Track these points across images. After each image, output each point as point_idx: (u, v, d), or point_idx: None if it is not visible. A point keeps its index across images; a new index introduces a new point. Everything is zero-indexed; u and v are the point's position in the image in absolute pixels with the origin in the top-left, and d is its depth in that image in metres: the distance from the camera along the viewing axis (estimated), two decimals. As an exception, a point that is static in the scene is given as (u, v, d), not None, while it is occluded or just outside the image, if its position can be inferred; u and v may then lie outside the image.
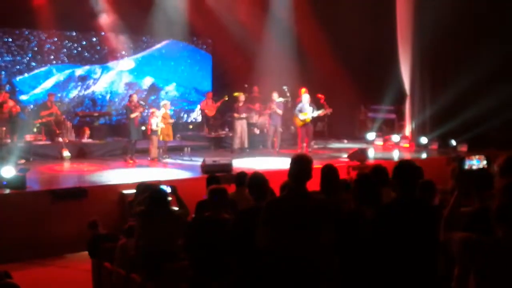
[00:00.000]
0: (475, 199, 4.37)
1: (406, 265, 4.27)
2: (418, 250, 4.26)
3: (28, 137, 14.87)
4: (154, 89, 19.74)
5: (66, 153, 14.43)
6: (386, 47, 17.12)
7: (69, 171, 13.27)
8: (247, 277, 4.99)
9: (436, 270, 4.41)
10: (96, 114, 17.76)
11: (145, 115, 16.10)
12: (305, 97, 15.58)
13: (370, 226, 4.40)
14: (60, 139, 14.98)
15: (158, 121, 14.25)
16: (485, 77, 14.74)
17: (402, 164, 4.52)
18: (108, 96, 18.86)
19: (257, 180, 5.38)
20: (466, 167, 3.70)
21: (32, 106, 16.84)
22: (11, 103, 14.64)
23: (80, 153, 15.00)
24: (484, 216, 3.54)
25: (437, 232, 4.12)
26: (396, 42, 17.17)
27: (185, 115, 20.35)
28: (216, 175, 7.95)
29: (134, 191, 8.57)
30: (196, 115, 20.13)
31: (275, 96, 15.91)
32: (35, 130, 15.35)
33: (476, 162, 3.75)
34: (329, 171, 5.88)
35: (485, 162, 3.78)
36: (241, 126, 15.89)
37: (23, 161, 13.48)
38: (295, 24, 18.20)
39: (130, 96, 14.76)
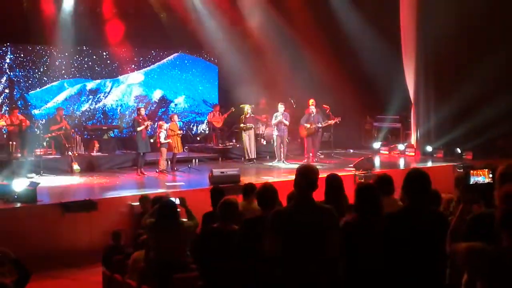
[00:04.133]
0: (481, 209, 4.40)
1: (416, 274, 4.27)
2: (429, 258, 4.26)
3: (38, 151, 15.01)
4: (163, 101, 19.93)
5: (75, 166, 14.57)
6: (390, 56, 17.13)
7: (79, 184, 13.35)
8: (255, 286, 5.08)
9: (444, 279, 4.42)
10: (105, 128, 17.89)
11: (155, 127, 16.25)
12: (311, 108, 15.78)
13: (378, 235, 4.39)
14: (70, 153, 15.09)
15: (166, 133, 14.36)
16: (490, 85, 14.79)
17: (412, 173, 4.50)
18: (119, 109, 19.07)
19: (267, 191, 5.33)
20: (471, 182, 3.70)
21: (44, 120, 17.03)
22: (20, 117, 14.82)
23: (90, 166, 15.14)
24: (488, 220, 3.51)
25: (444, 240, 4.17)
26: (400, 52, 17.19)
27: (195, 127, 20.52)
28: (220, 186, 7.97)
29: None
30: (205, 127, 20.25)
31: (280, 107, 16.01)
32: (45, 144, 15.47)
33: (482, 179, 3.75)
34: (333, 181, 5.94)
35: (491, 175, 3.78)
36: (248, 137, 16.02)
37: (33, 175, 13.63)
38: (300, 36, 18.27)
39: (138, 109, 14.93)
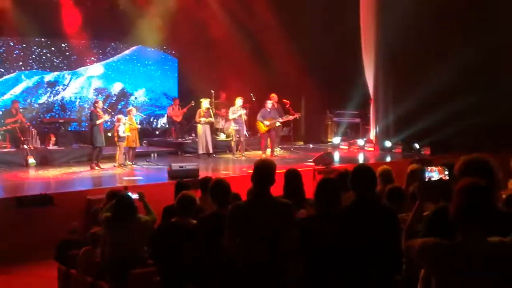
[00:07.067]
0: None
1: (365, 266, 4.30)
2: (376, 250, 4.29)
3: (-7, 145, 14.72)
4: (123, 94, 19.72)
5: (31, 160, 14.32)
6: (350, 52, 17.24)
7: (34, 178, 13.14)
8: (213, 282, 5.05)
9: (397, 274, 4.47)
10: (61, 121, 17.56)
11: (114, 121, 16.03)
12: (269, 103, 15.81)
13: (331, 229, 4.41)
14: (25, 146, 14.82)
15: (124, 127, 14.20)
16: (448, 83, 14.97)
17: (358, 169, 4.60)
18: (77, 102, 18.77)
19: (219, 187, 5.34)
20: (426, 179, 3.71)
21: (0, 112, 16.69)
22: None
23: (46, 160, 14.86)
24: (443, 216, 3.53)
25: (394, 233, 4.21)
26: (360, 47, 17.30)
27: (155, 121, 20.35)
28: (184, 181, 7.96)
29: (100, 197, 8.61)
30: (165, 121, 20.06)
31: (239, 102, 15.94)
32: (-1, 137, 15.19)
33: (435, 174, 3.76)
34: (292, 175, 5.94)
35: (446, 172, 3.78)
36: (204, 131, 15.85)
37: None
38: (260, 30, 18.26)
39: (96, 102, 14.72)
